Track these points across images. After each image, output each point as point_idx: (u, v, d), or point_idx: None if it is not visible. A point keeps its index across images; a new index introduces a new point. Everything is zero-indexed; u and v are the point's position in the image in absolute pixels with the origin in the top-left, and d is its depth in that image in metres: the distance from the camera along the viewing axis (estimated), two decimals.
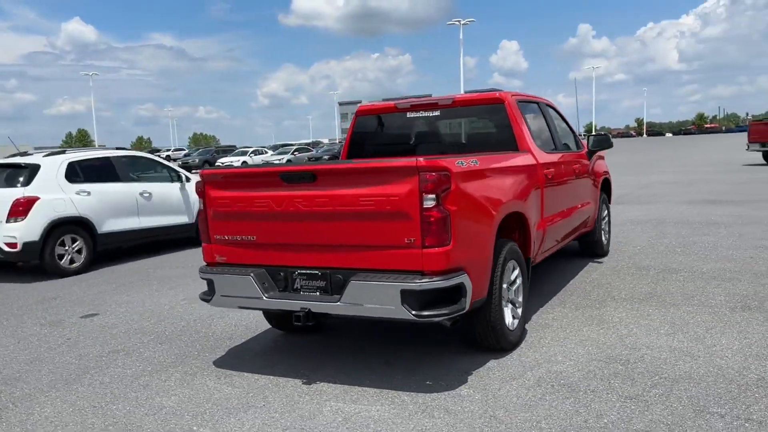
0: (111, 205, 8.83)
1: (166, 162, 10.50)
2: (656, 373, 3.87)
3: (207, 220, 4.31)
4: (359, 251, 3.81)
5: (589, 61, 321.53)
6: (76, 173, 8.61)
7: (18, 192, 7.97)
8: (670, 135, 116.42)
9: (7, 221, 7.82)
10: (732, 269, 6.42)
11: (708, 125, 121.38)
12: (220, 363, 4.54)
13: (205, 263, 4.42)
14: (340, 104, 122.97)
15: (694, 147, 45.79)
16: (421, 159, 3.57)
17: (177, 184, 9.95)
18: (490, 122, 5.34)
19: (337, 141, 63.00)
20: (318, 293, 3.98)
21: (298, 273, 4.03)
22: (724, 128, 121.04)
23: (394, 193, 3.63)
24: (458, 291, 3.70)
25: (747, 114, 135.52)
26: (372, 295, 3.70)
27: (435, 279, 3.60)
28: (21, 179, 8.16)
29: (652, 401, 3.48)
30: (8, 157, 9.41)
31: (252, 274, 4.09)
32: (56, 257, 8.13)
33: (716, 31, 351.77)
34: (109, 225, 8.76)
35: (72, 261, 8.31)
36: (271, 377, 4.20)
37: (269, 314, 4.99)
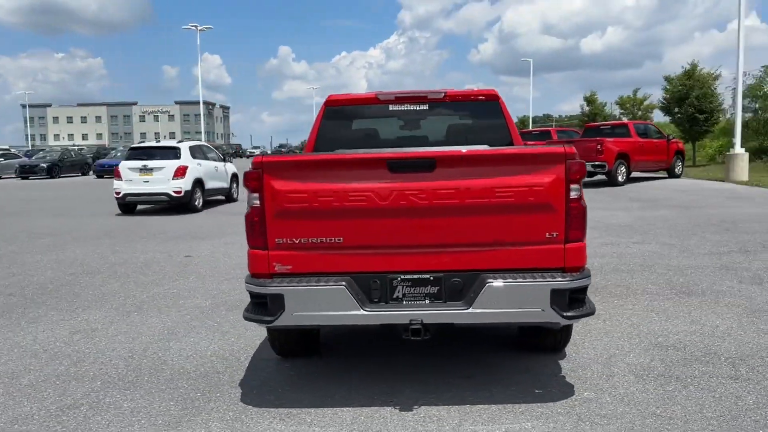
0: (207, 172, 14.97)
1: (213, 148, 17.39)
2: (710, 352, 4.16)
3: (264, 220, 3.37)
4: (485, 250, 3.34)
5: (291, 82, 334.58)
6: (194, 152, 14.74)
7: (177, 162, 13.88)
8: None
9: (174, 179, 13.70)
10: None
11: None
12: (269, 400, 3.59)
13: (253, 274, 3.45)
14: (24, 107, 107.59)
15: None
16: (567, 146, 3.29)
17: (223, 163, 16.33)
18: (483, 118, 5.18)
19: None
20: (427, 301, 3.38)
21: (401, 279, 3.38)
22: None
23: (538, 183, 3.27)
24: (585, 290, 3.48)
25: None
26: (516, 298, 3.27)
27: (579, 277, 3.34)
28: (173, 155, 14.15)
29: (739, 376, 3.72)
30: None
31: (345, 284, 3.31)
32: (194, 200, 14.17)
33: (398, 65, 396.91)
34: (208, 184, 14.88)
35: (198, 203, 14.34)
36: (356, 409, 3.45)
37: (280, 337, 4.11)
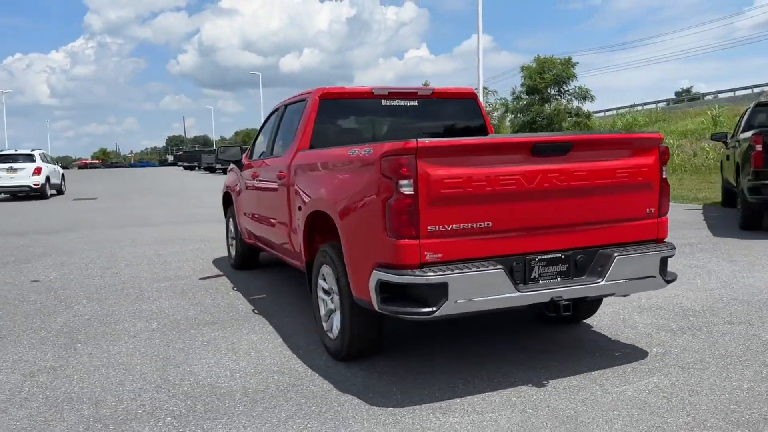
0: (51, 172, 22.57)
1: None
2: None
3: (417, 208, 3.20)
4: (603, 227, 3.65)
5: None
6: (43, 158, 22.29)
7: (34, 164, 20.94)
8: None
9: (33, 176, 20.61)
10: None
11: (114, 160, 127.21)
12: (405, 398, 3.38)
13: (398, 266, 3.24)
14: None
15: (150, 178, 48.17)
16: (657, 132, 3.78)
17: (56, 165, 24.81)
18: (465, 116, 5.45)
19: None
20: (559, 279, 3.56)
21: (539, 259, 3.50)
22: (130, 162, 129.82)
23: (644, 164, 3.70)
24: None
25: (117, 148, 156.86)
26: (637, 268, 3.64)
27: (671, 246, 3.84)
28: (31, 159, 21.22)
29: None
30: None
31: (502, 267, 3.32)
32: (46, 191, 21.46)
33: (87, 71, 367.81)
34: (52, 180, 22.42)
35: (48, 193, 21.80)
36: (486, 394, 3.47)
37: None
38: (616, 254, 3.59)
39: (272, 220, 5.51)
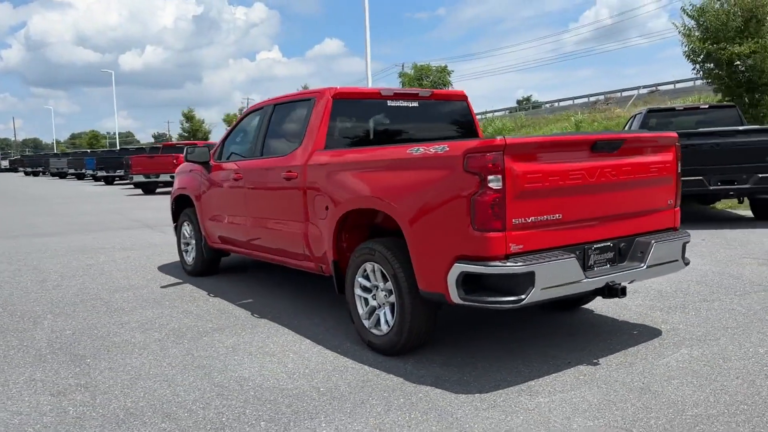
0: None
1: None
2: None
3: (505, 202, 3.38)
4: (638, 217, 4.05)
5: None
6: None
7: None
8: None
9: None
10: None
11: None
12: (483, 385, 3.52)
13: (484, 257, 3.40)
14: None
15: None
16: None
17: None
18: (457, 116, 5.68)
19: None
20: (608, 265, 3.90)
21: (594, 248, 3.81)
22: None
23: (669, 160, 4.16)
24: None
25: None
26: (669, 253, 4.07)
27: (687, 234, 4.33)
28: None
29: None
30: None
31: (575, 256, 3.59)
32: None
33: None
34: None
35: None
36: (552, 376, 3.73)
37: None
38: (653, 241, 4.00)
39: (270, 222, 5.39)
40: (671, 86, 38.68)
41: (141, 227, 12.04)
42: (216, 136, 48.25)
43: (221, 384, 3.76)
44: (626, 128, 13.16)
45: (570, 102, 45.95)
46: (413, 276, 3.82)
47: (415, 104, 5.38)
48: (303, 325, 4.92)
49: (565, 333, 4.52)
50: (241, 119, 6.40)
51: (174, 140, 54.05)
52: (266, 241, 5.53)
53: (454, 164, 3.48)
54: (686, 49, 16.62)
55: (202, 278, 6.88)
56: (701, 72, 17.10)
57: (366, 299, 4.28)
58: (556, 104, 48.32)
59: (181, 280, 6.83)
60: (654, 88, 39.71)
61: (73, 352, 4.46)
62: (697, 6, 16.23)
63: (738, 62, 15.65)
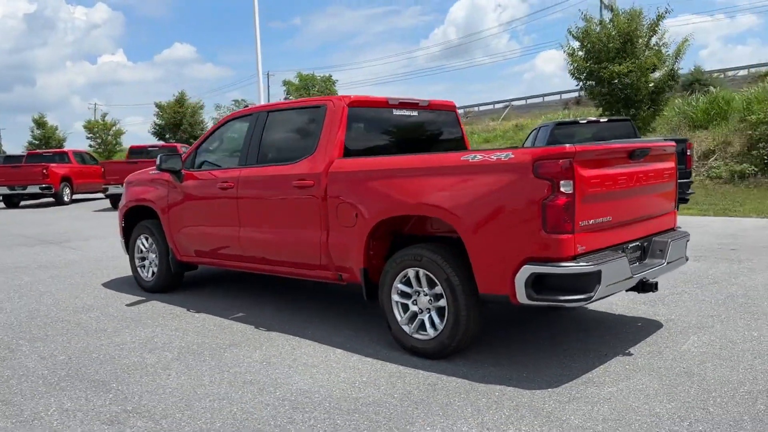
0: None
1: None
2: None
3: (574, 205, 3.61)
4: (656, 218, 4.47)
5: None
6: None
7: None
8: None
9: None
10: None
11: None
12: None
13: (560, 258, 3.60)
14: None
15: None
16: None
17: None
18: (450, 124, 5.87)
19: None
20: (637, 263, 4.26)
21: (629, 247, 4.15)
22: None
23: (672, 167, 4.62)
24: None
25: None
26: (679, 251, 4.52)
27: (687, 233, 4.82)
28: None
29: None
30: None
31: (625, 255, 3.91)
32: None
33: None
34: None
35: None
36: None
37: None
38: (670, 240, 4.42)
39: (273, 232, 5.23)
40: (523, 101, 42.49)
41: (43, 244, 10.99)
42: (73, 143, 44.52)
43: (286, 398, 3.64)
44: (529, 140, 14.04)
45: None
46: (469, 279, 3.94)
47: (416, 113, 5.50)
48: (320, 335, 4.84)
49: (577, 329, 4.83)
50: (218, 127, 6.15)
51: (27, 149, 49.32)
52: (267, 252, 5.36)
53: (523, 170, 3.65)
54: (571, 67, 18.13)
55: (165, 294, 6.49)
56: (584, 89, 18.70)
57: (404, 305, 4.32)
58: None
59: (143, 297, 6.40)
60: (509, 104, 43.42)
61: (88, 377, 4.08)
62: (582, 29, 17.77)
63: (616, 80, 17.31)
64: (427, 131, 5.73)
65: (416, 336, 4.26)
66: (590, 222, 3.74)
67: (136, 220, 6.86)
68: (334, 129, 4.86)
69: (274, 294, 6.30)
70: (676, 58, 17.86)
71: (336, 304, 5.88)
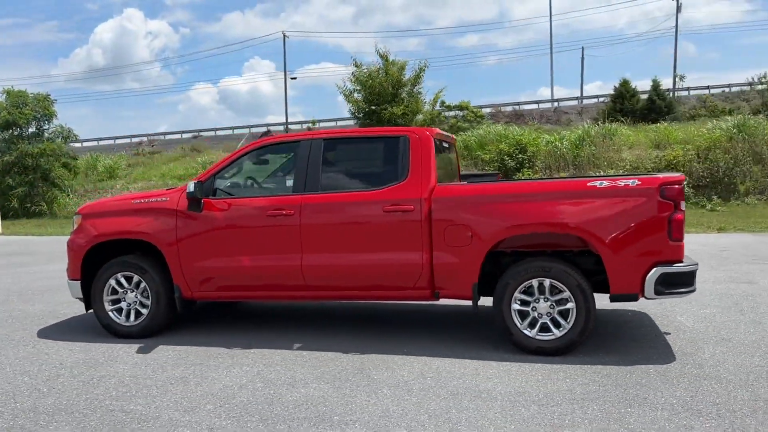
0: None
1: None
2: None
3: (684, 219, 4.80)
4: None
5: None
6: None
7: None
8: None
9: None
10: None
11: None
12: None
13: (679, 260, 4.72)
14: None
15: None
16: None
17: None
18: (454, 155, 6.62)
19: None
20: None
21: None
22: None
23: None
24: None
25: None
26: None
27: None
28: None
29: None
30: None
31: None
32: None
33: None
34: None
35: None
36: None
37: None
38: None
39: (352, 257, 5.29)
40: (213, 133, 48.47)
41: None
42: None
43: (504, 399, 4.03)
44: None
45: (111, 141, 48.87)
46: (595, 284, 4.84)
47: (446, 144, 6.18)
48: (438, 352, 5.10)
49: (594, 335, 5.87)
50: (239, 156, 5.82)
51: None
52: (342, 277, 5.34)
53: (651, 194, 4.70)
54: (350, 108, 19.88)
55: (157, 336, 5.80)
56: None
57: (524, 312, 4.98)
58: (97, 143, 48.53)
59: (142, 344, 5.63)
60: (198, 134, 48.03)
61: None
62: (365, 74, 19.70)
63: (395, 120, 19.55)
64: (447, 158, 6.37)
65: (540, 337, 4.93)
66: None
67: (102, 258, 5.97)
68: (426, 158, 5.27)
69: (283, 317, 6.16)
70: (433, 106, 20.96)
71: (403, 326, 6.13)
